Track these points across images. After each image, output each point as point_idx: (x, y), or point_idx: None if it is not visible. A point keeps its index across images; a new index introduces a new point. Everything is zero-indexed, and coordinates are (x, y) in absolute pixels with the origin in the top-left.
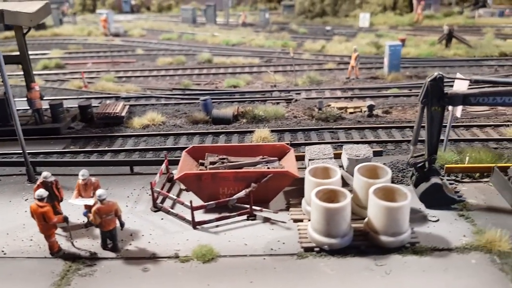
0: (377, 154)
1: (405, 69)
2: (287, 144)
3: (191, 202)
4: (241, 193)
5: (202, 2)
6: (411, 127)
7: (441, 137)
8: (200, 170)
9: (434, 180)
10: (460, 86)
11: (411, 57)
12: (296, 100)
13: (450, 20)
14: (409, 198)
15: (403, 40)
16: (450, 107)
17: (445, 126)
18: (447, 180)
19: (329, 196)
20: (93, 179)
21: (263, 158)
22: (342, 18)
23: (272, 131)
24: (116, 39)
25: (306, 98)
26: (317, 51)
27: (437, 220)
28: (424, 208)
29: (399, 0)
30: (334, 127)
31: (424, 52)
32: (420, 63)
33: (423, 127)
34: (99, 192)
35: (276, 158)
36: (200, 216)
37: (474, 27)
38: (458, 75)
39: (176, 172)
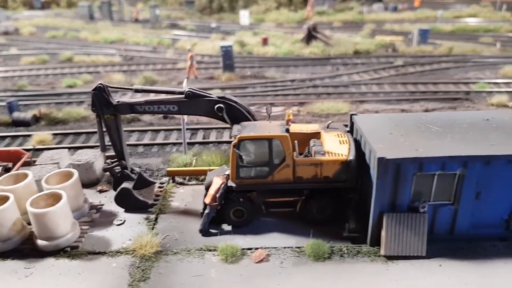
0: None
1: (251, 68)
2: (28, 149)
3: None
4: None
5: None
6: (201, 129)
7: (180, 140)
8: None
9: (124, 185)
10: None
11: (269, 56)
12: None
13: (341, 16)
14: (58, 204)
15: (265, 39)
16: None
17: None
18: (161, 183)
19: None
20: None
21: None
22: (239, 14)
23: (56, 134)
24: (0, 38)
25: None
26: (187, 49)
27: (122, 224)
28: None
29: None
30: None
31: (283, 51)
32: (269, 62)
33: None
34: None
35: (7, 164)
36: None
37: (360, 23)
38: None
39: None
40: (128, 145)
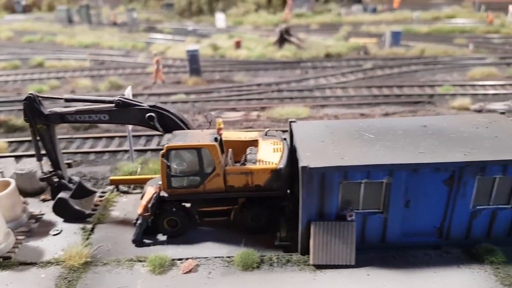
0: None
1: (221, 72)
2: None
3: None
4: None
5: (96, 1)
6: (157, 135)
7: (126, 148)
8: None
9: (61, 194)
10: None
11: (241, 59)
12: None
13: (319, 18)
14: None
15: (238, 43)
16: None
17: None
18: (102, 192)
19: None
20: None
21: None
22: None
23: (11, 142)
24: None
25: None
26: (159, 52)
27: (58, 233)
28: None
29: None
30: (66, 136)
31: (255, 54)
32: (240, 66)
33: None
34: None
35: None
36: None
37: (338, 26)
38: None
39: None
40: (78, 153)
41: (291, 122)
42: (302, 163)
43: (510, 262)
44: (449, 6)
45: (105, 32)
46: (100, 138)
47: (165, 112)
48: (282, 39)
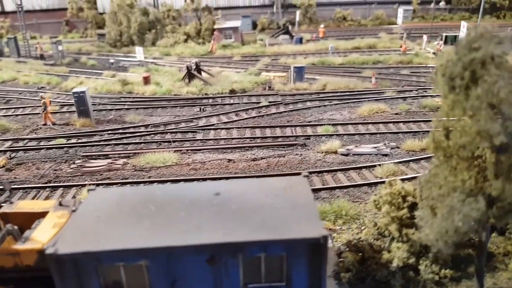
0: None
1: (118, 111)
2: None
3: None
4: None
5: (34, 30)
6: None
7: None
8: None
9: None
10: None
11: (145, 96)
12: None
13: (246, 49)
14: None
15: (146, 78)
16: None
17: None
18: None
19: None
20: None
21: None
22: (148, 47)
23: None
24: None
25: None
26: (71, 88)
27: None
28: None
29: (202, 29)
30: None
31: (162, 90)
32: (140, 103)
33: None
34: None
35: None
36: None
37: (260, 57)
38: None
39: None
40: None
41: (89, 190)
42: (49, 249)
43: None
44: (376, 35)
45: (28, 65)
46: None
47: None
48: (190, 75)
